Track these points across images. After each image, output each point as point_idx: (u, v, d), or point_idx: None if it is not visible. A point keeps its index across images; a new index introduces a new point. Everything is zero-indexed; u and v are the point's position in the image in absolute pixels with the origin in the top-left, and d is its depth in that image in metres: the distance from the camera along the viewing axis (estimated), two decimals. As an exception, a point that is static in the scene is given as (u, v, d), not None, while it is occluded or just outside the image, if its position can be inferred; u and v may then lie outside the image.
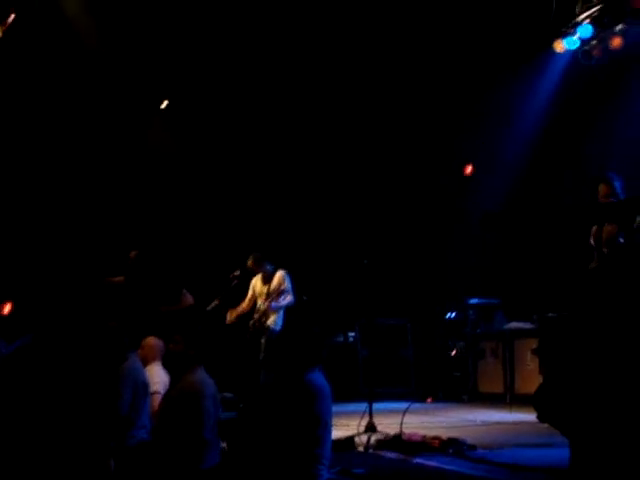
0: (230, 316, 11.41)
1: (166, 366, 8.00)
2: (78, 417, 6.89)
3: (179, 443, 6.38)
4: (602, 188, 9.15)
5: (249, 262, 11.50)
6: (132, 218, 14.10)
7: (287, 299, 11.24)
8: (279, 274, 11.36)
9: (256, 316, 11.30)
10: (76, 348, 8.05)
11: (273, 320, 11.21)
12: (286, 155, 14.88)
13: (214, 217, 14.64)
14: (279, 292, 11.25)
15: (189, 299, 10.54)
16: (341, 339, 14.42)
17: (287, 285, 11.28)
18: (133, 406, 7.02)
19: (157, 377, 7.85)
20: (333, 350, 13.85)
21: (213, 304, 11.24)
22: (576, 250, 9.73)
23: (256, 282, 11.49)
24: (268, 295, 11.32)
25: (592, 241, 9.23)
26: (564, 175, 12.61)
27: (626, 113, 12.09)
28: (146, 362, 7.89)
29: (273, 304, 11.22)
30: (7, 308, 13.30)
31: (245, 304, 11.40)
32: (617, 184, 9.12)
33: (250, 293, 11.46)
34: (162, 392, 7.61)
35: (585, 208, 9.58)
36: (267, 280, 11.41)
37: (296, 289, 11.45)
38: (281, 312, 11.29)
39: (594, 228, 9.25)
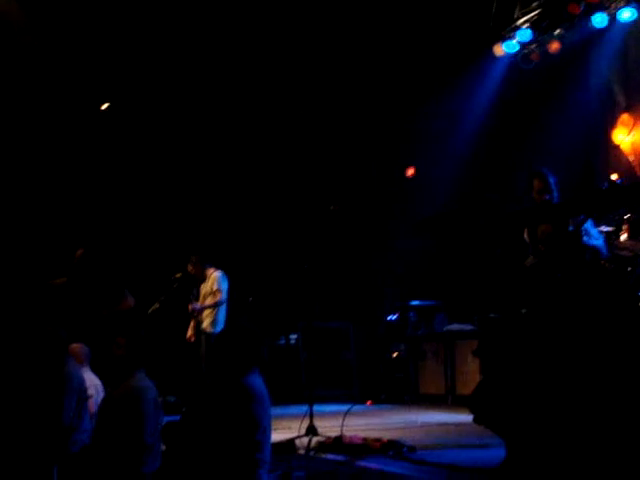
0: (189, 332, 11.39)
1: (97, 370, 8.01)
2: (22, 425, 6.80)
3: (120, 447, 6.34)
4: (536, 183, 9.26)
5: (189, 267, 11.45)
6: (74, 217, 13.96)
7: (216, 298, 11.19)
8: (213, 275, 11.33)
9: (192, 322, 11.29)
10: (17, 353, 7.95)
11: (209, 323, 11.18)
12: (226, 158, 14.82)
13: (155, 218, 14.53)
14: (212, 293, 11.23)
15: (130, 301, 10.44)
16: (282, 342, 14.40)
17: (220, 286, 11.23)
18: (75, 411, 6.97)
19: (89, 381, 7.81)
20: (275, 352, 13.84)
21: (154, 307, 11.16)
22: (513, 249, 9.82)
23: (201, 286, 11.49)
24: (203, 298, 11.32)
25: (526, 237, 9.32)
26: (505, 176, 12.74)
27: (563, 114, 12.26)
28: None
29: (197, 306, 11.21)
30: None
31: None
32: (551, 180, 9.23)
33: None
34: (95, 396, 7.61)
35: (519, 210, 9.66)
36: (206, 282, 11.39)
37: (240, 291, 11.43)
38: (220, 314, 11.25)
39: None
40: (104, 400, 7.00)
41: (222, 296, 11.22)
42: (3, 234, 13.59)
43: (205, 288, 11.35)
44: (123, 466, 6.29)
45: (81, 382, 7.25)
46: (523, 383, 5.53)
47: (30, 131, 13.94)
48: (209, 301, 11.26)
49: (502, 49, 12.43)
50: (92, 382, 7.95)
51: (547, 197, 9.14)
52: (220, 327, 11.07)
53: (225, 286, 11.27)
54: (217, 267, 11.45)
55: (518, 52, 12.39)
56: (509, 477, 5.21)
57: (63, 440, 6.77)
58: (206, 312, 11.30)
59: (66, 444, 6.78)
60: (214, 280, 11.26)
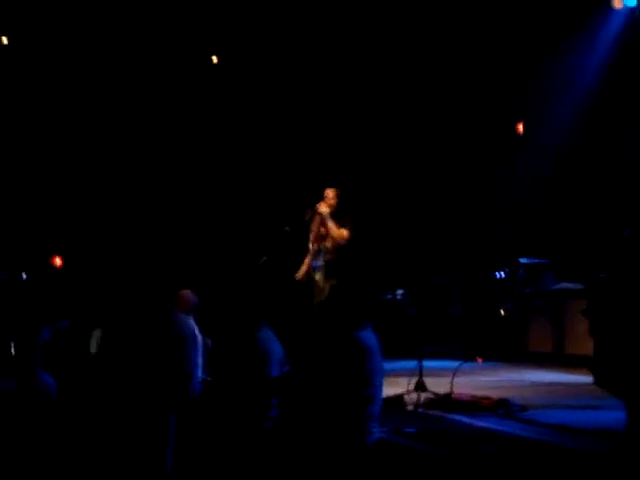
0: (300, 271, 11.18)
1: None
2: (148, 373, 6.98)
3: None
4: None
5: (306, 214, 11.20)
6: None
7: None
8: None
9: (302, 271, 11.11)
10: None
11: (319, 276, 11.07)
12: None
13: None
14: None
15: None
16: (389, 297, 14.41)
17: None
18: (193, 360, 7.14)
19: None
20: (382, 307, 13.86)
21: (262, 260, 11.19)
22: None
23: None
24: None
25: None
26: (621, 137, 12.45)
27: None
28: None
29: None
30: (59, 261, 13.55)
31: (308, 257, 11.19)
32: None
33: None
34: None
35: None
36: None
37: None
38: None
39: None
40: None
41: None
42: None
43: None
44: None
45: (194, 332, 7.41)
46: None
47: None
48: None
49: (621, 1, 12.09)
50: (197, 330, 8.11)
51: None
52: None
53: None
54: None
55: (638, 4, 12.02)
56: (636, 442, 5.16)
57: (184, 387, 6.95)
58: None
59: (187, 391, 6.96)
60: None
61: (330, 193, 10.39)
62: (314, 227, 10.74)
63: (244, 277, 11.19)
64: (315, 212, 10.33)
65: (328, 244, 10.30)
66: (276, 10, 13.86)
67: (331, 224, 10.19)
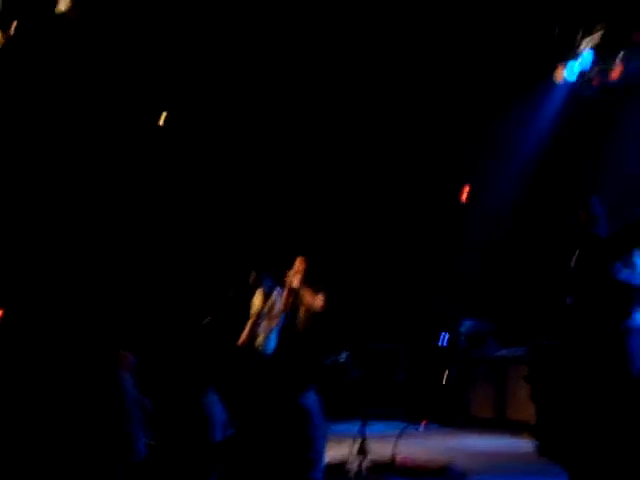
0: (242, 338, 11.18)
1: None
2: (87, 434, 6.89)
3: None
4: (582, 214, 8.87)
5: (250, 279, 11.33)
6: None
7: (273, 323, 11.00)
8: (275, 293, 11.22)
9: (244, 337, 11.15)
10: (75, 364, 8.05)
11: (261, 341, 11.07)
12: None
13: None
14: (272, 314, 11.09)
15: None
16: (333, 360, 14.36)
17: (280, 307, 11.10)
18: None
19: None
20: (324, 371, 13.80)
21: (206, 321, 11.16)
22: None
23: (254, 300, 11.35)
24: (260, 314, 11.18)
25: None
26: (563, 206, 12.64)
27: (624, 144, 12.16)
28: None
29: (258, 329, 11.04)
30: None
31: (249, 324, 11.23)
32: (597, 211, 8.84)
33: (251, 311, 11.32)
34: None
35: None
36: (265, 298, 11.27)
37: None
38: (273, 334, 11.16)
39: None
40: None
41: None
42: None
43: (267, 305, 11.20)
44: None
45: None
46: (582, 414, 5.50)
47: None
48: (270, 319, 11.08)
49: (563, 75, 12.37)
50: None
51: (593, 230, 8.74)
52: (272, 346, 10.95)
53: None
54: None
55: (578, 79, 12.31)
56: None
57: (129, 450, 6.85)
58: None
59: (130, 452, 6.86)
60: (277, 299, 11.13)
61: (300, 263, 10.29)
62: (279, 300, 10.82)
63: (189, 339, 11.11)
64: (287, 286, 10.22)
65: (301, 314, 10.22)
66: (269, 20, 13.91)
67: (307, 294, 10.04)
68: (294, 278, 10.11)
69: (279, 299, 11.15)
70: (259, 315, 11.18)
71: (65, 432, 7.01)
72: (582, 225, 8.82)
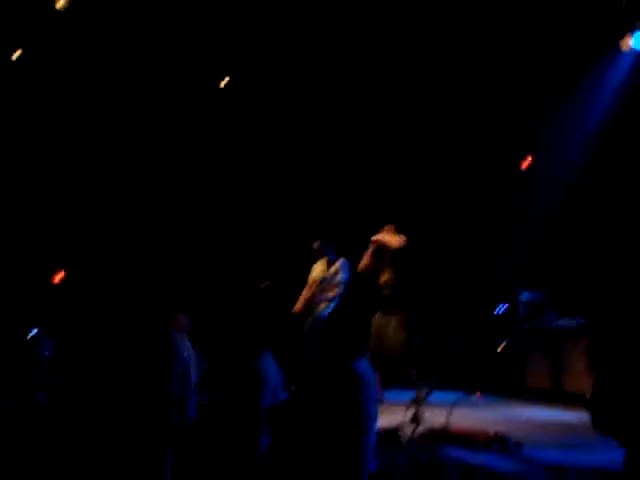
0: (298, 305, 11.29)
1: None
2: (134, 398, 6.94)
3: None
4: None
5: (314, 245, 11.37)
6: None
7: (336, 291, 11.11)
8: (338, 263, 11.25)
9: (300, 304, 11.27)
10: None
11: (321, 309, 11.10)
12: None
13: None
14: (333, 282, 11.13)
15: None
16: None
17: (342, 276, 11.18)
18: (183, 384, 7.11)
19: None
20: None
21: (263, 285, 11.23)
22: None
23: (316, 267, 11.40)
24: (321, 282, 11.23)
25: None
26: (629, 179, 12.48)
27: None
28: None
29: (320, 296, 11.10)
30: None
31: (306, 290, 11.32)
32: None
33: (310, 278, 11.41)
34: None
35: None
36: (328, 267, 11.30)
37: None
38: (333, 303, 11.19)
39: None
40: None
41: (339, 290, 11.13)
42: None
43: (328, 274, 11.27)
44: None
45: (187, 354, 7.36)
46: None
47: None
48: (326, 290, 11.17)
49: (629, 43, 12.14)
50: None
51: None
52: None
53: (346, 277, 11.17)
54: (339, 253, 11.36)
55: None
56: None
57: (176, 411, 6.90)
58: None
59: (180, 415, 6.91)
60: (337, 269, 11.19)
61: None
62: (342, 269, 10.87)
63: (247, 303, 11.19)
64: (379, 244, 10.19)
65: (384, 278, 10.20)
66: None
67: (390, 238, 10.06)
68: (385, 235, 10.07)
69: (343, 268, 11.17)
70: (320, 283, 11.25)
71: (114, 394, 7.10)
72: None
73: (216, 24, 13.82)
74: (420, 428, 8.29)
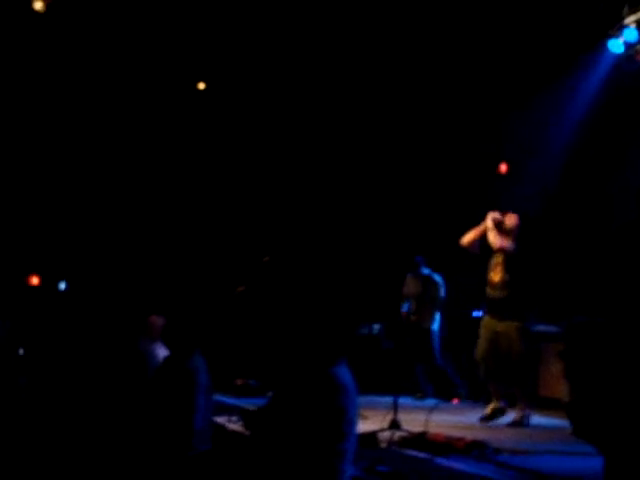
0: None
1: None
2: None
3: (168, 430, 6.42)
4: None
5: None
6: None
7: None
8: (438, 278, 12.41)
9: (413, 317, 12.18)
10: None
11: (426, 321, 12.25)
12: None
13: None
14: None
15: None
16: (366, 331, 14.33)
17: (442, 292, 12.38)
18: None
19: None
20: (357, 342, 13.77)
21: (238, 290, 11.24)
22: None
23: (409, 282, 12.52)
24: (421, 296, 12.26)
25: None
26: (605, 182, 12.50)
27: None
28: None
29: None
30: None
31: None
32: None
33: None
34: None
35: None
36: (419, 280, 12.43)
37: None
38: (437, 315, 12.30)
39: None
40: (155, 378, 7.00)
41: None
42: None
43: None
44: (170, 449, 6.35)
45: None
46: (620, 395, 5.40)
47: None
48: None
49: (608, 47, 12.17)
50: None
51: None
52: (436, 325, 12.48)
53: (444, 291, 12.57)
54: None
55: (624, 53, 12.10)
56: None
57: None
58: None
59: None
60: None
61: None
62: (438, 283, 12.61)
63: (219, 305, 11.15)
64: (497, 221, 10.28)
65: (496, 278, 10.22)
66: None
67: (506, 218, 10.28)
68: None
69: (435, 282, 12.37)
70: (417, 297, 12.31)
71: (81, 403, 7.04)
72: None
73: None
74: (398, 433, 8.25)
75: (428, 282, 12.63)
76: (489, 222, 10.20)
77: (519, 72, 13.42)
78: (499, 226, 10.18)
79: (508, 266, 10.05)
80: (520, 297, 10.04)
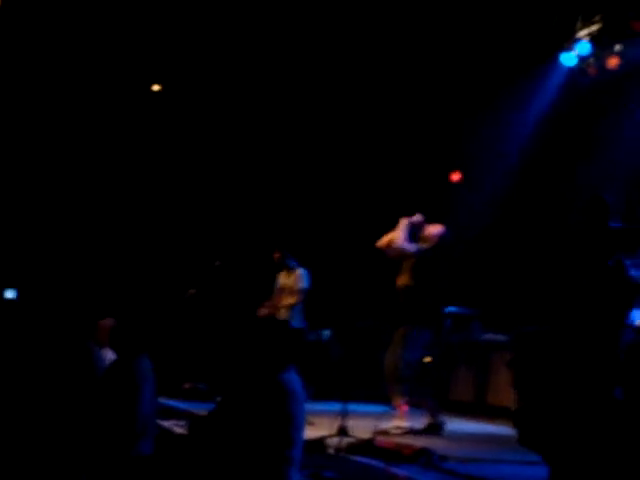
0: (263, 310, 11.48)
1: None
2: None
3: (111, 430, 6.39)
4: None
5: (275, 255, 11.54)
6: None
7: (295, 299, 11.38)
8: (298, 272, 11.47)
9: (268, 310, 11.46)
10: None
11: (283, 316, 11.31)
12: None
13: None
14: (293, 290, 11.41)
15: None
16: (314, 337, 14.32)
17: (302, 285, 11.42)
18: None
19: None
20: (306, 348, 13.76)
21: (189, 293, 11.24)
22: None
23: (280, 276, 11.64)
24: (282, 291, 11.50)
25: None
26: (555, 193, 12.62)
27: (620, 133, 12.10)
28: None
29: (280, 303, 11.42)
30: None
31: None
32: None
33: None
34: None
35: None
36: (288, 275, 11.56)
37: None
38: (297, 310, 11.44)
39: None
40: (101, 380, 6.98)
41: (298, 298, 11.47)
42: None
43: (288, 282, 11.49)
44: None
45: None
46: (564, 404, 5.44)
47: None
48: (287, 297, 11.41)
49: (561, 61, 12.31)
50: None
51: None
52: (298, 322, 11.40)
53: (306, 285, 11.54)
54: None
55: (576, 65, 12.24)
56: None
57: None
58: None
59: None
60: (298, 278, 11.43)
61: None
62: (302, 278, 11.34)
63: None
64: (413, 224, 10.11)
65: (399, 282, 10.18)
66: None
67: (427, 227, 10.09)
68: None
69: (303, 277, 11.32)
70: (281, 290, 11.41)
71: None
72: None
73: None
74: (346, 440, 8.25)
75: None
76: (404, 221, 10.05)
77: (473, 83, 13.53)
78: (416, 229, 10.06)
79: (416, 272, 10.01)
80: (418, 303, 9.99)
